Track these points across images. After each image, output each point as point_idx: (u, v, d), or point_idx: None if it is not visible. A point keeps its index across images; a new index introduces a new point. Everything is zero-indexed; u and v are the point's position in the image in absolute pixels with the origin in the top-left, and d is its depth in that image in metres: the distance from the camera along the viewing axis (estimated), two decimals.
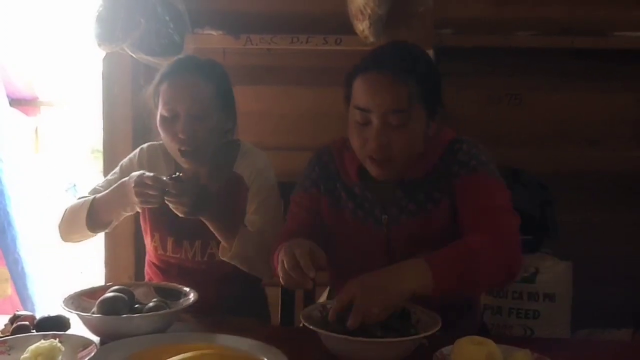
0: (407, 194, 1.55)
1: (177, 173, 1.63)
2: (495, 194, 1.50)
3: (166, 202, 1.60)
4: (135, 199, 1.60)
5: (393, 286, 1.30)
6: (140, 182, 1.59)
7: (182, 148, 1.70)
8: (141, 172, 1.63)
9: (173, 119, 1.70)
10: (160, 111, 1.72)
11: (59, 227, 1.78)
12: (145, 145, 1.86)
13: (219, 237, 1.69)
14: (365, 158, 1.51)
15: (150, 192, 1.58)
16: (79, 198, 1.79)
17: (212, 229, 1.68)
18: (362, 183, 1.58)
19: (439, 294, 1.31)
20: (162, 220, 1.78)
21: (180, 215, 1.62)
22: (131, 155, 1.86)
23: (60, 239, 1.81)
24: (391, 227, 1.55)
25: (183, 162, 1.74)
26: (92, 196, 1.73)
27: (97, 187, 1.81)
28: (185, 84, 1.71)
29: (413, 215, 1.54)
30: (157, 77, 1.76)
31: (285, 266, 1.33)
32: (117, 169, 1.84)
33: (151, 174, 1.60)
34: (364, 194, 1.58)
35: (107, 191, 1.71)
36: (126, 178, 1.65)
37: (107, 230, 1.78)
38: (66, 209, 1.77)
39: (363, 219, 1.57)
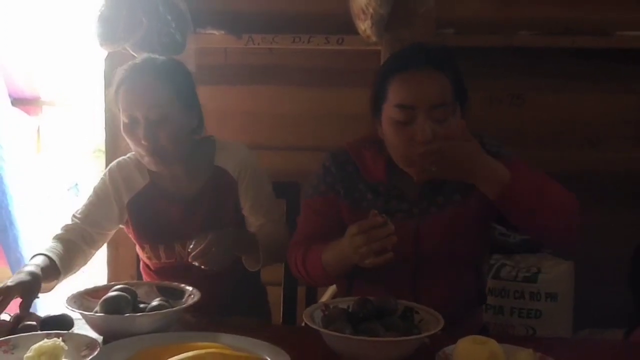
0: (434, 189, 1.57)
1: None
2: (542, 171, 1.56)
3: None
4: None
5: (482, 161, 1.42)
6: None
7: (147, 153, 1.68)
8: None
9: (133, 125, 1.67)
10: (121, 117, 1.69)
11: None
12: (113, 164, 1.83)
13: (242, 256, 1.71)
14: (407, 159, 1.49)
15: None
16: (61, 228, 1.76)
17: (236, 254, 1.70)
18: (388, 181, 1.58)
19: (503, 201, 1.42)
20: (148, 231, 1.78)
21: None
22: (102, 176, 1.83)
23: None
24: (422, 219, 1.56)
25: (152, 166, 1.73)
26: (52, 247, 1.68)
27: (75, 214, 1.79)
28: (141, 89, 1.66)
29: (442, 207, 1.56)
30: (115, 83, 1.72)
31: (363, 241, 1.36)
32: (91, 193, 1.82)
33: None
34: (390, 191, 1.59)
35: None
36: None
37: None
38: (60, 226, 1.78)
39: (391, 214, 1.54)
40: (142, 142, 1.66)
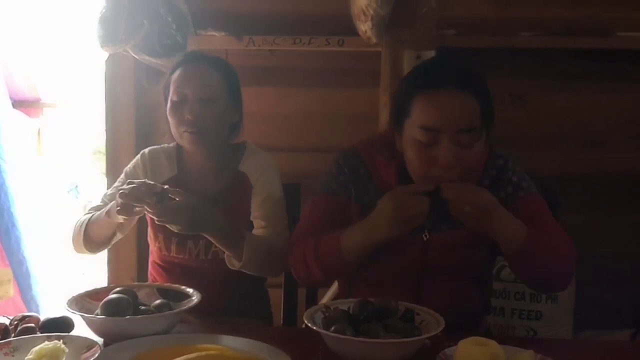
0: (444, 203, 1.43)
1: (163, 188, 1.57)
2: (550, 213, 1.53)
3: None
4: (116, 209, 1.57)
5: (501, 214, 1.39)
6: (122, 194, 1.55)
7: (189, 130, 1.72)
8: (129, 182, 1.59)
9: (182, 103, 1.73)
10: (170, 98, 1.75)
11: (72, 241, 1.80)
12: (146, 150, 1.87)
13: (223, 249, 1.68)
14: (426, 179, 1.43)
15: (131, 203, 1.54)
16: (87, 212, 1.80)
17: (216, 244, 1.68)
18: None
19: (516, 258, 1.42)
20: None
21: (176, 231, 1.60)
22: (134, 160, 1.87)
23: (74, 252, 1.83)
24: (432, 234, 1.52)
25: (187, 145, 1.76)
26: (90, 215, 1.73)
27: (104, 196, 1.83)
28: (194, 70, 1.76)
29: (454, 224, 1.47)
30: (170, 70, 1.81)
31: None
32: (122, 176, 1.86)
33: (134, 185, 1.55)
34: None
35: (99, 212, 1.71)
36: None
37: (106, 248, 1.80)
38: (75, 225, 1.78)
39: None
40: (187, 116, 1.71)
